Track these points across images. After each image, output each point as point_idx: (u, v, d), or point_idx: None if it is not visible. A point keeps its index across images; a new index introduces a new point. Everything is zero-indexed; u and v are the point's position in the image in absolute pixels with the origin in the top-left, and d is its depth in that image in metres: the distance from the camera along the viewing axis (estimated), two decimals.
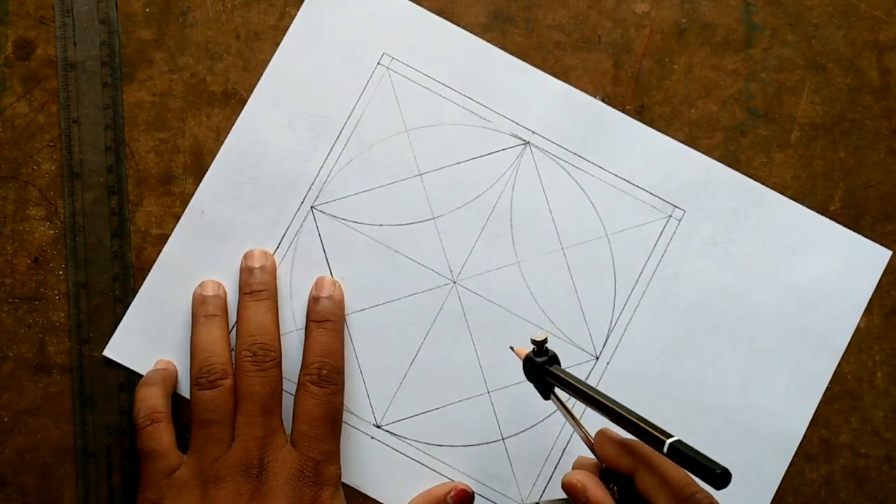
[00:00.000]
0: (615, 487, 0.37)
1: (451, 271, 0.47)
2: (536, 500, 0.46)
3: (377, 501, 0.47)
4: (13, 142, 0.48)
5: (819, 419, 0.47)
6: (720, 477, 0.32)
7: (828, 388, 0.47)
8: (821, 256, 0.47)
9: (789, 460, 0.46)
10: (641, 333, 0.47)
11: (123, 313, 0.47)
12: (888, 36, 0.49)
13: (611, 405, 0.36)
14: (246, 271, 0.47)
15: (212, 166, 0.48)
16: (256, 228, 0.47)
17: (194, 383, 0.44)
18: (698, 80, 0.48)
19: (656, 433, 0.34)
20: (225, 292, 0.47)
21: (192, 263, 0.47)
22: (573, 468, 0.42)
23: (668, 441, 0.34)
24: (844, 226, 0.48)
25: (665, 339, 0.47)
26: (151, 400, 0.45)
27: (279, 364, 0.45)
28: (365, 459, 0.47)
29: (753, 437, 0.46)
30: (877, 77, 0.48)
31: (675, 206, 0.48)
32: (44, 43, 0.48)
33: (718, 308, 0.47)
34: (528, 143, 0.48)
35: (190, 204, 0.48)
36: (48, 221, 0.48)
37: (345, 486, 0.46)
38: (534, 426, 0.47)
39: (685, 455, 0.33)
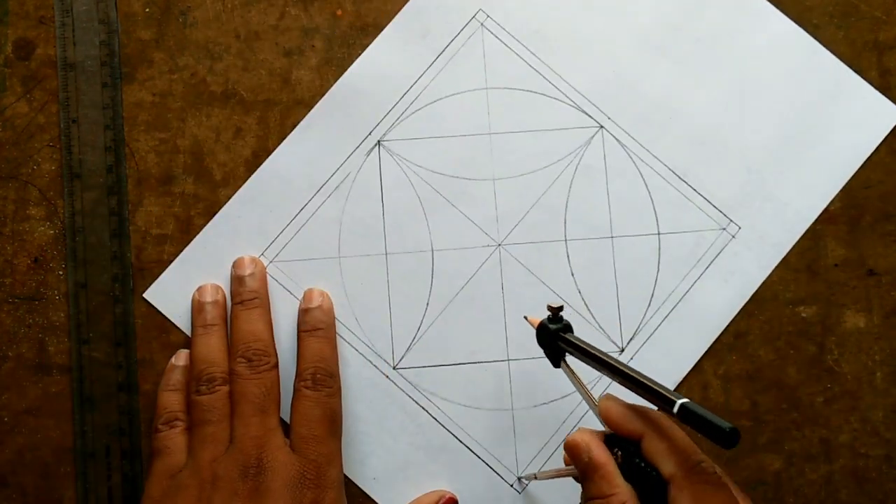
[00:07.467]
0: (619, 452, 0.36)
1: (498, 234, 0.48)
2: (534, 473, 0.46)
3: (377, 436, 0.47)
4: (13, 142, 0.48)
5: (819, 419, 0.47)
6: (729, 435, 0.32)
7: (828, 387, 0.47)
8: None
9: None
10: (670, 338, 0.47)
11: (123, 313, 0.47)
12: (888, 36, 0.49)
13: (624, 368, 0.36)
14: (236, 280, 0.47)
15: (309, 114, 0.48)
16: (318, 163, 0.48)
17: (193, 390, 0.45)
18: None
19: (667, 394, 0.34)
20: (224, 296, 0.47)
21: (255, 221, 0.48)
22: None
23: (679, 402, 0.33)
24: (845, 228, 0.48)
25: (693, 351, 0.47)
26: (174, 406, 0.45)
27: (275, 367, 0.45)
28: (374, 396, 0.47)
29: None
30: (877, 77, 0.48)
31: (731, 221, 0.48)
32: (44, 43, 0.48)
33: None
34: (603, 126, 0.48)
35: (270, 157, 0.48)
36: (48, 221, 0.48)
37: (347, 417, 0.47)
38: (545, 404, 0.47)
39: (695, 415, 0.33)
